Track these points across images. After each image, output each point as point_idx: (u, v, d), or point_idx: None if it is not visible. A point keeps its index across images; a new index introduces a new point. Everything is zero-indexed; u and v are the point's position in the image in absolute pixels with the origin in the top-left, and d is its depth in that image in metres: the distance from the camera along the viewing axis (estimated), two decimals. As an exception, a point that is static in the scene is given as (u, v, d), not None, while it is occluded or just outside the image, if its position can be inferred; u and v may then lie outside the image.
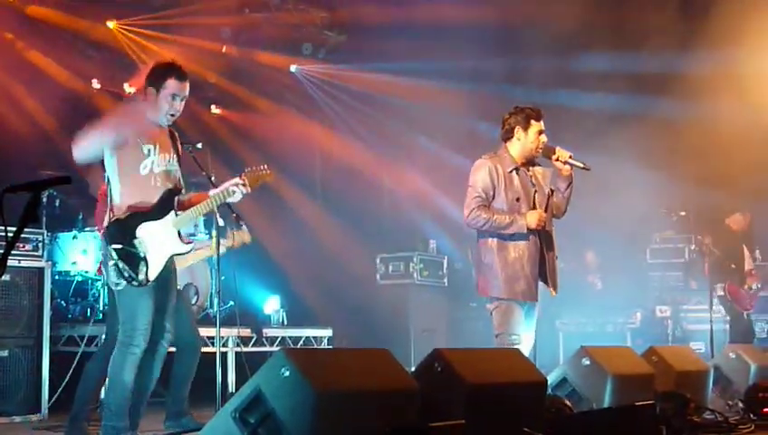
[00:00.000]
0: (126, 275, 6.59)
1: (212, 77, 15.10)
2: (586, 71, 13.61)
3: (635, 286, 14.47)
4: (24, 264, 9.57)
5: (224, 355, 10.42)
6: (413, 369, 5.93)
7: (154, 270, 6.70)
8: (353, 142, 15.73)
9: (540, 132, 7.73)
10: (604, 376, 7.33)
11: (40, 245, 9.77)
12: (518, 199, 7.66)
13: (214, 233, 8.70)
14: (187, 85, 6.94)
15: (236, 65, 15.11)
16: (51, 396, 9.46)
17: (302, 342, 12.24)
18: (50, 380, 9.56)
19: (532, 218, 7.55)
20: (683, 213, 12.40)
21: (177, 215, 6.83)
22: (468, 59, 14.00)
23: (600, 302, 14.33)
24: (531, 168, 7.85)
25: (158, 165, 6.77)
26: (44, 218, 10.08)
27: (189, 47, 14.13)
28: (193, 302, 10.54)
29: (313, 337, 12.42)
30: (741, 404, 8.24)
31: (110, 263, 6.62)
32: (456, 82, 14.57)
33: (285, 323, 12.56)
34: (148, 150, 6.74)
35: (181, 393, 8.08)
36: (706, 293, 12.46)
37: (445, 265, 14.57)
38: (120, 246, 6.64)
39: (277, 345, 11.64)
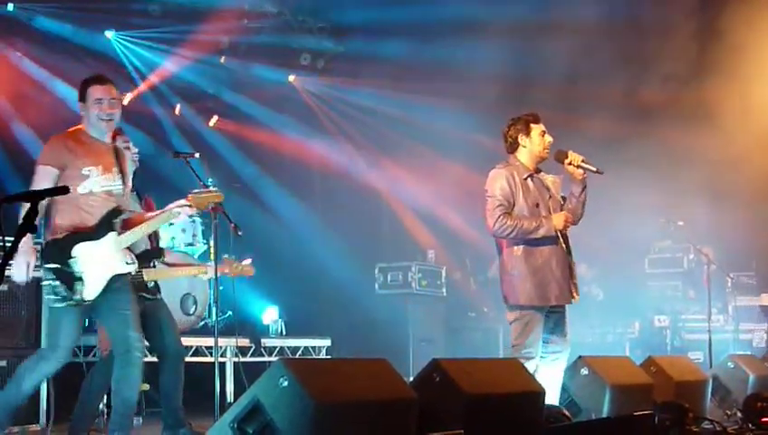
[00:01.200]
0: (60, 294, 6.60)
1: (211, 88, 15.12)
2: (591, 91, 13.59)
3: (633, 296, 14.47)
4: (22, 274, 9.56)
5: (222, 365, 10.40)
6: (412, 379, 5.93)
7: (92, 289, 6.68)
8: (352, 152, 15.74)
9: (542, 133, 7.79)
10: (602, 386, 7.32)
11: (38, 255, 9.74)
12: (537, 205, 7.70)
13: (211, 243, 8.73)
14: (112, 88, 6.94)
15: (235, 76, 15.11)
16: (49, 406, 9.45)
17: (300, 352, 12.23)
18: (48, 390, 9.55)
19: (559, 220, 7.60)
20: (681, 223, 12.42)
21: (118, 235, 6.80)
22: (467, 71, 13.98)
23: (599, 312, 14.34)
24: (542, 175, 7.89)
25: (99, 185, 6.73)
26: (43, 228, 10.06)
27: (188, 58, 14.16)
28: (191, 312, 10.55)
29: (312, 347, 12.41)
30: (739, 414, 8.24)
31: (45, 282, 6.64)
32: (454, 97, 14.56)
33: (284, 333, 12.55)
34: (89, 171, 6.71)
35: (173, 404, 8.04)
36: (705, 302, 12.46)
37: (443, 275, 14.56)
38: (55, 266, 6.65)
39: (276, 355, 11.62)
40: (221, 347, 10.01)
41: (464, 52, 13.97)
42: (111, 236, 6.78)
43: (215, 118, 15.24)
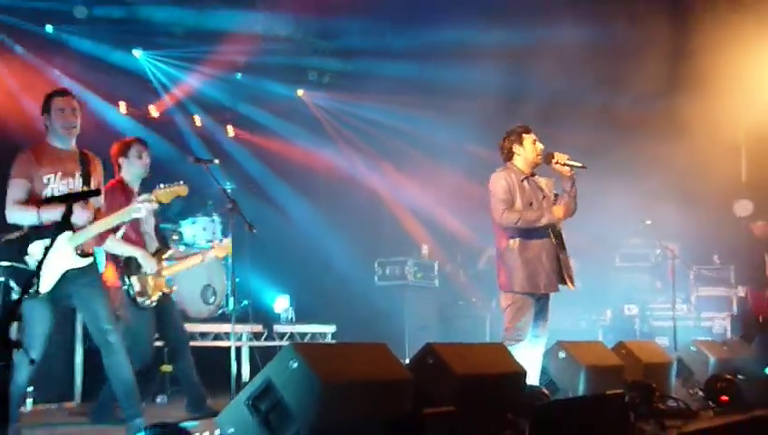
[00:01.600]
0: (14, 289, 6.45)
1: (228, 101, 15.11)
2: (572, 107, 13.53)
3: (606, 287, 14.46)
4: (59, 267, 9.55)
5: (238, 349, 10.38)
6: (408, 361, 5.92)
7: (46, 283, 6.51)
8: (354, 158, 15.72)
9: (534, 141, 7.95)
10: (578, 368, 7.32)
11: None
12: (531, 204, 7.83)
13: (227, 240, 8.68)
14: (71, 99, 6.88)
15: (250, 91, 15.09)
16: (83, 385, 9.45)
17: (308, 337, 12.21)
18: (82, 371, 9.56)
19: (559, 211, 7.80)
20: (649, 222, 12.41)
21: (73, 232, 6.58)
22: (466, 84, 13.95)
23: (575, 301, 14.32)
24: (536, 178, 8.02)
25: (58, 190, 6.59)
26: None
27: (208, 75, 14.16)
28: (211, 301, 10.54)
29: (319, 332, 12.39)
30: (701, 393, 8.23)
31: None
32: (452, 110, 14.55)
33: (293, 320, 12.53)
34: (48, 179, 6.59)
35: (191, 383, 8.03)
36: (670, 293, 12.46)
37: (436, 269, 14.54)
38: (7, 264, 6.48)
39: (286, 340, 11.60)
40: (237, 333, 9.99)
41: (458, 71, 13.94)
42: (66, 234, 6.54)
43: (231, 128, 15.22)
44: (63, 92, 6.93)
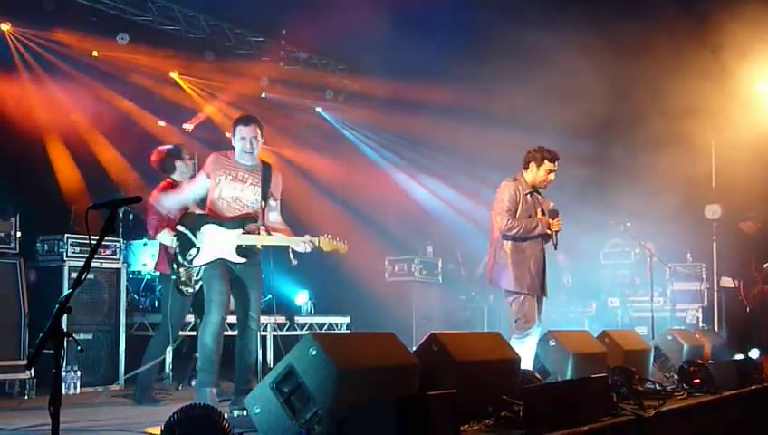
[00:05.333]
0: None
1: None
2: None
3: (591, 282, 14.44)
4: (104, 265, 9.63)
5: (263, 338, 10.41)
6: (414, 349, 5.92)
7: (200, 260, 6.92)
8: (366, 166, 15.73)
9: (549, 171, 7.87)
10: (566, 355, 7.32)
11: (117, 250, 9.79)
12: (530, 216, 7.81)
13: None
14: (255, 127, 7.12)
15: (274, 107, 15.12)
16: (126, 371, 9.48)
17: (326, 327, 12.23)
18: (125, 357, 9.59)
19: (544, 221, 7.80)
20: (629, 224, 12.38)
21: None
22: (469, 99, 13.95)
23: (564, 294, 14.31)
24: (538, 195, 7.98)
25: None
26: (121, 229, 10.08)
27: (235, 93, 14.19)
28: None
29: (335, 323, 12.41)
30: (676, 376, 8.21)
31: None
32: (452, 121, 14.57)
33: (313, 312, 12.56)
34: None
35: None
36: (649, 287, 12.44)
37: (440, 266, 14.54)
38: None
39: (306, 330, 11.62)
40: (263, 323, 10.01)
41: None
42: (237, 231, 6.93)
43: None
44: (246, 120, 7.13)
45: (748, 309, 12.61)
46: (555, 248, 7.94)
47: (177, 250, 6.99)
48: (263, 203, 7.08)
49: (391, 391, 4.71)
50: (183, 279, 7.12)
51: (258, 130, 7.08)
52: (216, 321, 6.77)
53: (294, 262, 7.28)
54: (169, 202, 7.56)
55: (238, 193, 7.00)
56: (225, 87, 14.05)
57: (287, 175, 14.50)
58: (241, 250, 6.91)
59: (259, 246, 7.10)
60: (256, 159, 7.14)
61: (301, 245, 7.05)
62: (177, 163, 8.28)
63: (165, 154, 8.36)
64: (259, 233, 7.07)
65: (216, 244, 6.87)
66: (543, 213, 7.91)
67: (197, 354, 7.02)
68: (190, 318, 9.16)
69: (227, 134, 14.15)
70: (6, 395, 8.66)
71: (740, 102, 13.23)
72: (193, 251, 6.89)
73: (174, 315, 7.88)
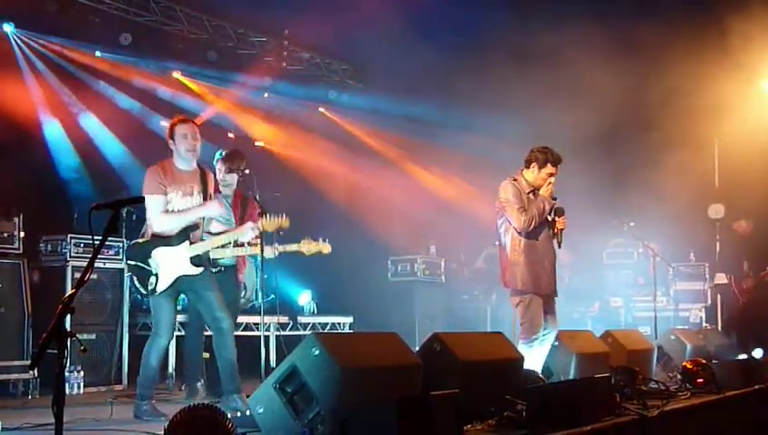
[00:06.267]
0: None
1: (257, 116, 15.13)
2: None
3: (594, 282, 14.42)
4: (107, 265, 9.63)
5: (266, 338, 10.38)
6: (417, 349, 5.92)
7: (162, 284, 6.86)
8: (370, 166, 15.72)
9: (550, 175, 7.76)
10: (570, 354, 7.32)
11: (120, 250, 9.79)
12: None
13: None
14: (193, 125, 7.08)
15: (276, 107, 15.12)
16: (129, 371, 9.49)
17: (329, 326, 12.22)
18: (129, 358, 9.60)
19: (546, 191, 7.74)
20: (632, 224, 12.38)
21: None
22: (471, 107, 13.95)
23: (567, 294, 14.29)
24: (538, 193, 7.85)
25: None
26: (124, 229, 10.09)
27: (239, 94, 14.20)
28: (242, 295, 10.53)
29: (338, 323, 12.40)
30: (679, 376, 8.20)
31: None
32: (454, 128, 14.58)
33: (315, 312, 12.55)
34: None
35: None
36: (652, 287, 12.43)
37: (442, 266, 14.52)
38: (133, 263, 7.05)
39: (309, 330, 11.61)
40: (266, 324, 10.01)
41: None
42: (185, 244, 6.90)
43: (260, 141, 15.26)
44: (185, 120, 7.06)
45: (741, 302, 12.70)
46: (559, 247, 7.89)
47: (137, 283, 6.96)
48: None
49: (394, 391, 4.71)
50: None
51: (197, 129, 7.02)
52: (163, 345, 6.93)
53: (270, 254, 7.42)
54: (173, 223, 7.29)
55: (189, 206, 6.97)
56: (227, 87, 14.05)
57: (288, 175, 14.69)
58: (195, 260, 6.91)
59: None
60: (195, 160, 7.06)
61: (247, 233, 7.10)
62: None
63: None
64: (202, 239, 7.07)
65: (170, 264, 6.85)
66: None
67: (141, 369, 7.06)
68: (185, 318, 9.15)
69: (230, 134, 14.28)
70: (10, 395, 8.67)
71: (743, 101, 13.22)
72: (152, 279, 6.84)
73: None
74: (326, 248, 7.29)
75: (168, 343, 7.00)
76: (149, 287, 6.83)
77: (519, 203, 7.64)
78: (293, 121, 15.37)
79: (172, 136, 6.95)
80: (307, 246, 7.20)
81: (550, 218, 7.76)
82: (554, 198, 7.82)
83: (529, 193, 7.75)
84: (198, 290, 6.96)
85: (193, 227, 6.95)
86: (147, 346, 6.96)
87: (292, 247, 7.17)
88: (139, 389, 6.99)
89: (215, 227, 7.34)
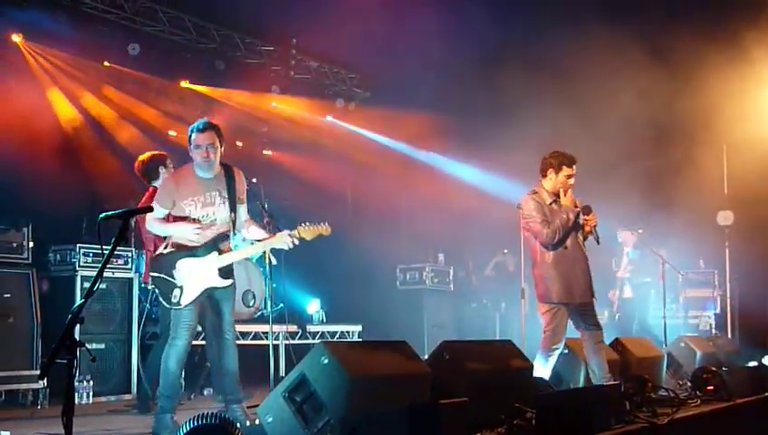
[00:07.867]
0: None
1: (264, 126, 15.16)
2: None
3: (604, 290, 14.39)
4: (116, 275, 9.64)
5: (275, 347, 10.39)
6: (426, 357, 5.92)
7: (188, 297, 6.51)
8: (377, 175, 15.74)
9: (568, 176, 7.64)
10: (579, 362, 7.31)
11: (129, 260, 9.80)
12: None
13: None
14: (211, 133, 6.59)
15: (284, 116, 15.15)
16: (139, 380, 9.49)
17: (338, 335, 12.21)
18: (138, 367, 9.60)
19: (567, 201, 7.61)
20: (641, 230, 12.37)
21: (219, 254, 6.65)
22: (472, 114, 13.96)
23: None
24: (559, 202, 7.69)
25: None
26: (132, 239, 10.10)
27: (246, 103, 14.23)
28: (251, 304, 10.54)
29: (347, 331, 12.39)
30: (689, 384, 8.19)
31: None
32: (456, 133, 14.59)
33: (324, 320, 12.55)
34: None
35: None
36: (661, 294, 12.40)
37: (451, 274, 14.53)
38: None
39: (318, 338, 11.60)
40: (275, 332, 10.01)
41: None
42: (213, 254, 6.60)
43: (268, 150, 15.30)
44: (201, 129, 6.58)
45: None
46: (597, 243, 7.73)
47: (160, 296, 6.59)
48: (232, 214, 6.68)
49: (403, 400, 4.71)
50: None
51: (216, 137, 6.55)
52: (182, 345, 6.48)
53: (274, 261, 7.22)
54: (156, 230, 6.90)
55: (211, 217, 6.62)
56: (235, 96, 14.09)
57: (296, 183, 14.71)
58: (223, 272, 6.61)
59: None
60: (216, 167, 6.63)
61: (282, 243, 6.74)
62: (162, 170, 8.09)
63: (148, 161, 8.19)
64: (231, 249, 6.77)
65: (197, 276, 6.52)
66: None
67: (161, 378, 6.62)
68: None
69: (239, 143, 14.31)
70: (20, 405, 8.69)
71: (753, 107, 13.21)
72: (176, 292, 6.45)
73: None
74: (326, 230, 7.03)
75: (188, 346, 6.52)
76: (173, 300, 6.46)
77: (541, 216, 7.51)
78: (301, 129, 15.39)
79: (190, 144, 6.75)
80: (305, 231, 6.90)
81: (581, 221, 7.66)
82: (588, 207, 7.66)
83: (551, 203, 7.62)
84: (220, 301, 6.63)
85: (223, 236, 6.66)
86: (164, 353, 6.56)
87: (295, 235, 6.85)
88: (162, 400, 6.49)
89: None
